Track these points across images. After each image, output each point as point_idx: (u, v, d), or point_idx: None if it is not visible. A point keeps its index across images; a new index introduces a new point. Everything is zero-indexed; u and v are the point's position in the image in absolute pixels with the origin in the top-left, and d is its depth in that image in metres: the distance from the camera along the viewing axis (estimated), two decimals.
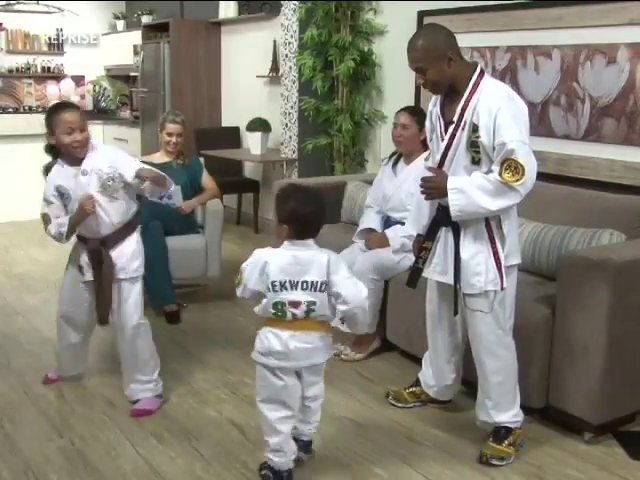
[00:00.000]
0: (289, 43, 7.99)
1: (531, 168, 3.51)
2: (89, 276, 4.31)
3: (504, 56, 5.75)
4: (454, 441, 4.09)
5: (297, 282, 3.40)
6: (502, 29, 5.75)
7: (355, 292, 3.45)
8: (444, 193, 3.63)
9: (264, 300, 3.43)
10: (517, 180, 3.48)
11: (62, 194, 4.22)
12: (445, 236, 3.81)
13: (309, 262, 3.42)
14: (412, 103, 6.35)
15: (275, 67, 8.90)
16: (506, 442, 3.90)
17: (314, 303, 3.41)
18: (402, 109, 5.30)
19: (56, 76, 12.69)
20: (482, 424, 4.03)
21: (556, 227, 4.68)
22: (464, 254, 3.72)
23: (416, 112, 5.24)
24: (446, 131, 3.73)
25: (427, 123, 3.99)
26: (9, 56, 12.27)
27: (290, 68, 8.03)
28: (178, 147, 6.15)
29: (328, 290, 3.43)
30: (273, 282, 3.39)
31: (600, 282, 3.84)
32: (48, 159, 4.37)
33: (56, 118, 4.14)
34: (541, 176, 5.29)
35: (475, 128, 3.58)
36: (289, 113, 8.15)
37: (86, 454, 3.91)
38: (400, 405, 4.48)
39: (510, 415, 3.91)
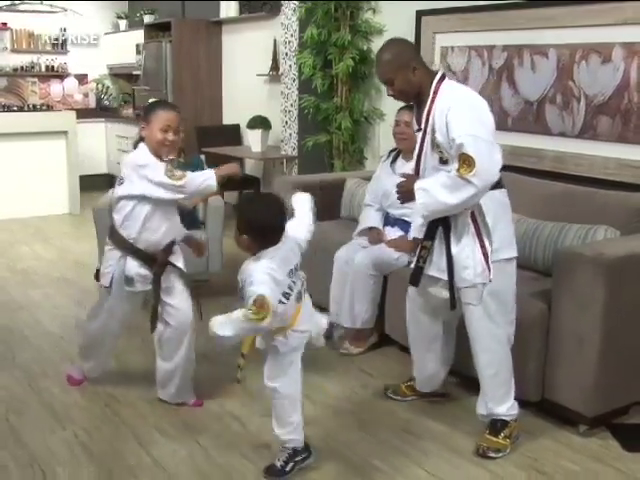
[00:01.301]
0: (289, 42, 8.04)
1: (483, 160, 3.58)
2: (140, 287, 4.24)
3: (501, 55, 5.80)
4: (452, 434, 4.13)
5: (290, 273, 3.51)
6: (499, 28, 5.79)
7: None
8: (414, 195, 3.77)
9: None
10: (470, 172, 3.57)
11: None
12: (440, 234, 3.89)
13: (288, 253, 3.53)
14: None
15: (275, 66, 8.96)
16: (502, 434, 3.96)
17: (303, 283, 3.62)
18: (404, 107, 5.28)
19: (60, 75, 12.73)
20: (480, 417, 4.08)
21: (552, 223, 4.73)
22: (454, 249, 3.81)
23: None
24: (418, 136, 3.92)
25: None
26: (14, 55, 12.31)
27: (290, 67, 8.09)
28: (180, 144, 6.19)
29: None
30: (285, 292, 3.45)
31: (595, 277, 3.89)
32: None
33: (157, 112, 4.12)
34: (537, 173, 5.40)
35: (434, 130, 3.74)
36: (289, 111, 8.20)
37: (89, 447, 3.95)
38: (398, 398, 4.53)
39: (505, 408, 3.96)
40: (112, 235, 4.24)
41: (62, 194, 10.06)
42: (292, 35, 7.98)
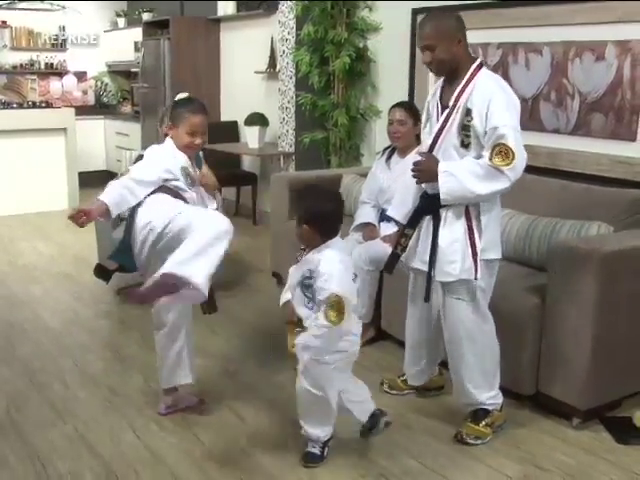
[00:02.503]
0: (286, 39, 8.10)
1: (521, 154, 3.61)
2: None
3: (496, 52, 5.83)
4: (448, 428, 4.15)
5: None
6: (494, 26, 5.82)
7: None
8: (434, 176, 3.72)
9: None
10: (507, 164, 3.57)
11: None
12: (427, 225, 3.91)
13: (348, 253, 3.73)
14: (406, 98, 6.44)
15: (272, 63, 8.98)
16: (483, 422, 4.02)
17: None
18: (396, 105, 5.33)
19: (59, 72, 12.76)
20: (462, 406, 4.15)
21: (546, 219, 4.77)
22: (442, 242, 3.83)
23: (410, 107, 5.32)
24: (442, 114, 3.85)
25: (424, 113, 4.12)
26: (13, 53, 12.34)
27: (287, 64, 8.14)
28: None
29: None
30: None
31: (588, 272, 3.93)
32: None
33: (186, 115, 4.05)
34: (531, 169, 5.40)
35: (468, 112, 3.71)
36: (286, 108, 8.25)
37: (89, 440, 3.98)
38: (394, 392, 4.55)
39: (487, 396, 4.01)
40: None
41: (61, 190, 10.10)
42: (289, 33, 8.04)
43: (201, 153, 6.61)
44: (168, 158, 4.07)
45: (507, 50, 5.75)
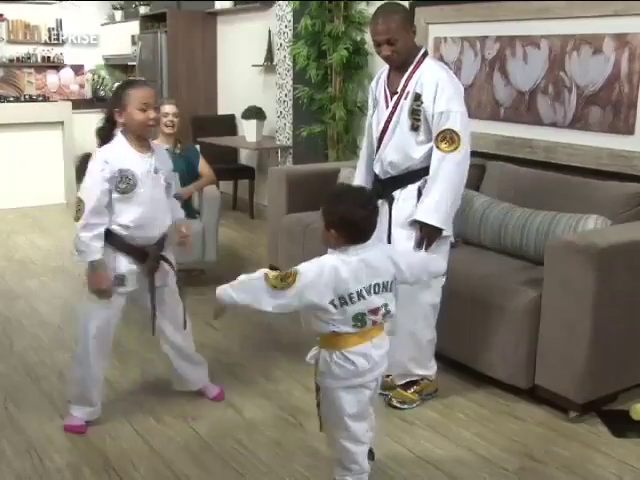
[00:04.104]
0: (283, 33, 8.09)
1: (467, 136, 3.87)
2: (132, 285, 3.91)
3: (493, 46, 5.82)
4: (444, 421, 4.16)
5: (370, 287, 3.12)
6: (492, 19, 5.82)
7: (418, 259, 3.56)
8: (437, 231, 3.97)
9: (338, 317, 3.09)
10: (453, 149, 3.82)
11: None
12: (382, 208, 3.99)
13: (378, 263, 3.15)
14: None
15: (270, 56, 8.98)
16: (412, 389, 4.29)
17: (387, 305, 3.18)
18: None
19: (56, 65, 12.75)
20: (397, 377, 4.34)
21: (543, 213, 4.77)
22: (399, 219, 4.03)
23: None
24: (391, 100, 4.08)
25: (369, 100, 4.39)
26: (10, 46, 12.33)
27: (285, 57, 8.13)
28: (175, 129, 6.17)
29: (396, 284, 3.23)
30: (351, 294, 3.06)
31: (585, 266, 3.93)
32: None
33: (129, 93, 3.71)
34: (529, 163, 5.44)
35: (417, 97, 3.94)
36: (284, 101, 8.24)
37: (87, 433, 3.97)
38: (387, 393, 4.37)
39: (422, 371, 4.28)
40: None
41: (58, 184, 10.08)
42: (286, 26, 8.03)
43: (198, 147, 6.65)
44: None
45: (505, 43, 5.74)
